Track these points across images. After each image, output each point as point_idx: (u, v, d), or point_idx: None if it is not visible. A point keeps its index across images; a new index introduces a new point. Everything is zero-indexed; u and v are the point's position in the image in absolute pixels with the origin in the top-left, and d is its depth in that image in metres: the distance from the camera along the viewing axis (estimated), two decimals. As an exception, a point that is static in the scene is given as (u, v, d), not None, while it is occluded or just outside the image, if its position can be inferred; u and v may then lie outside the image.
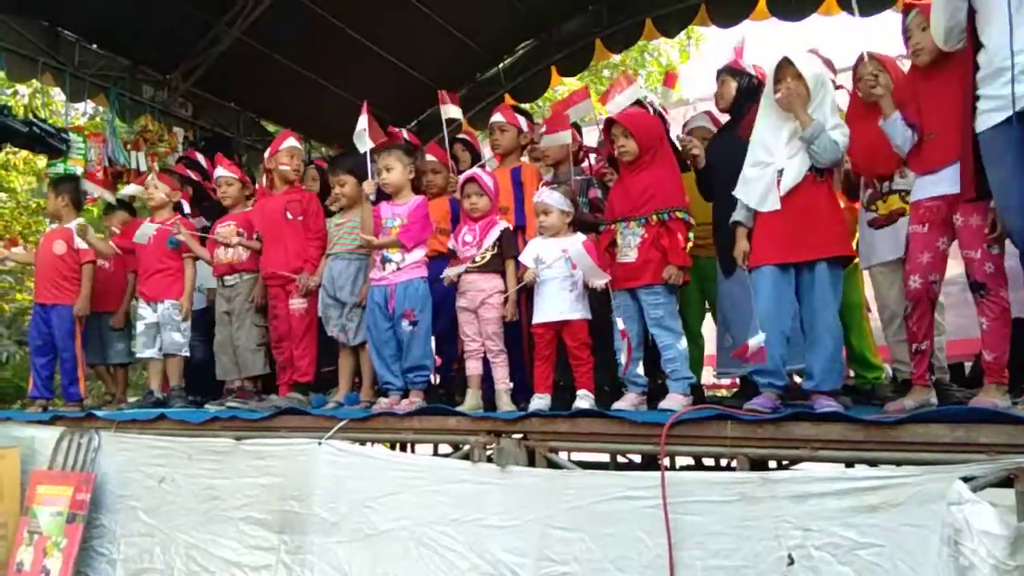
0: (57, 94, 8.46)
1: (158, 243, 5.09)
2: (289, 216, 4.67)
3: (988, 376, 2.89)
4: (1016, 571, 1.98)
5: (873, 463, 2.46)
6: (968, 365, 4.62)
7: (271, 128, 8.45)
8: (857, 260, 3.86)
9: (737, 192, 3.26)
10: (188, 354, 5.13)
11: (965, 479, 2.13)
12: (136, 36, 6.84)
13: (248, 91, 7.90)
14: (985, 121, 2.66)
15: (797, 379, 3.61)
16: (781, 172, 3.09)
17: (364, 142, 4.20)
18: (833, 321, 3.02)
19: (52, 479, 4.21)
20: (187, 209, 5.36)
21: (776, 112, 3.16)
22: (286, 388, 4.62)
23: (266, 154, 4.95)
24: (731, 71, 3.95)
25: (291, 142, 4.85)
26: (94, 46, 6.95)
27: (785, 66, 3.12)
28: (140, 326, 5.13)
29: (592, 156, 4.87)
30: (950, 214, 2.97)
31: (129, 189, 5.76)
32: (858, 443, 2.43)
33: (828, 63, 3.85)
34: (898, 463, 2.33)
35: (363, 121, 4.21)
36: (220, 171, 5.13)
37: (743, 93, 3.86)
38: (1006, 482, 2.18)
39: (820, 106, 3.09)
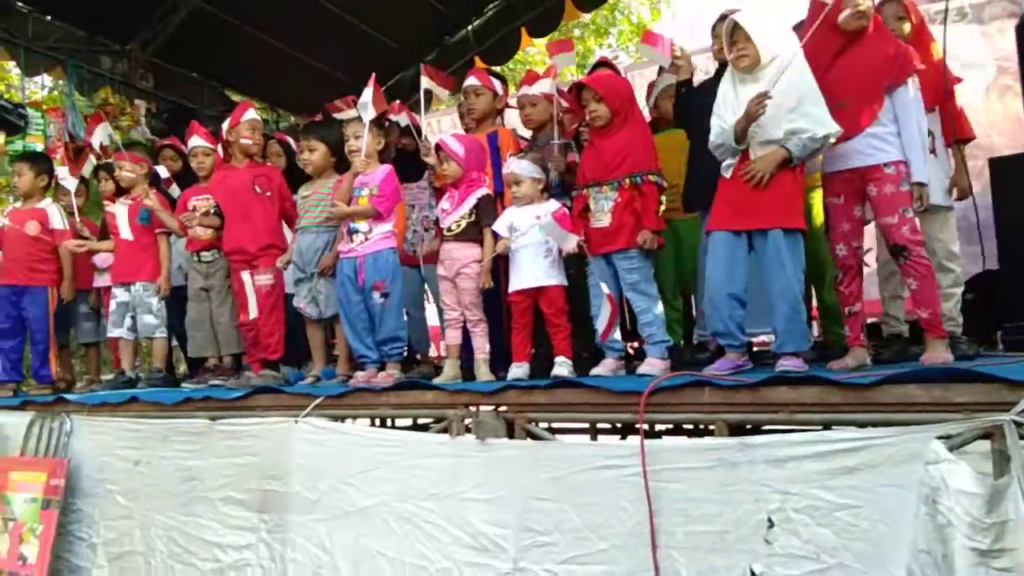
0: (12, 68, 8.21)
1: (129, 220, 4.95)
2: (258, 190, 4.54)
3: (929, 332, 3.00)
4: (992, 528, 1.99)
5: (852, 425, 2.45)
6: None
7: (236, 98, 8.25)
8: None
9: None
10: (165, 335, 5.01)
11: (941, 438, 2.14)
12: (92, 5, 6.60)
13: (211, 60, 7.69)
14: None
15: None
16: None
17: (368, 111, 4.00)
18: (785, 286, 3.03)
19: (25, 465, 4.14)
20: (165, 174, 5.20)
21: (734, 74, 3.19)
22: (258, 366, 4.54)
23: (224, 126, 4.75)
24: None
25: (252, 114, 4.67)
26: (48, 17, 6.71)
27: (737, 29, 3.12)
28: (112, 304, 5.03)
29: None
30: (863, 185, 3.08)
31: (98, 132, 5.40)
32: (835, 405, 2.43)
33: None
34: (875, 424, 2.33)
35: (368, 93, 4.01)
36: (196, 140, 4.88)
37: None
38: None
39: (778, 69, 3.02)
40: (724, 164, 3.22)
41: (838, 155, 3.13)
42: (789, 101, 3.04)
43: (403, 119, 4.79)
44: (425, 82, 4.56)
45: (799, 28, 3.60)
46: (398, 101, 4.93)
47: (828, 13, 3.08)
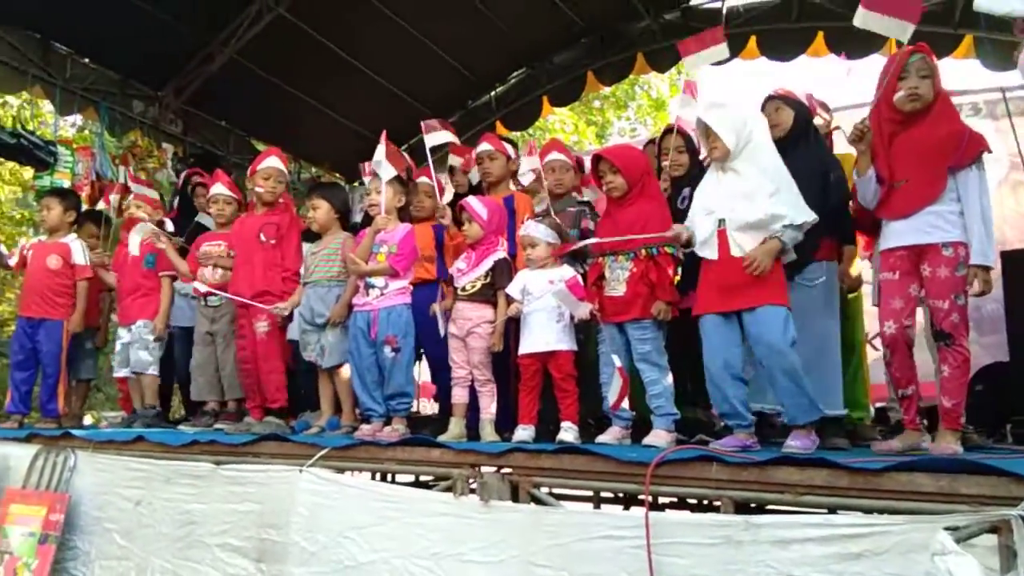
0: (46, 106, 8.44)
1: (136, 264, 5.04)
2: (262, 238, 4.58)
3: (944, 422, 2.97)
4: (997, 623, 1.98)
5: (858, 510, 2.45)
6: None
7: (261, 147, 8.45)
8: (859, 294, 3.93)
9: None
10: (156, 373, 5.03)
11: (948, 529, 2.13)
12: (128, 51, 6.85)
13: (239, 110, 7.91)
14: None
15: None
16: (722, 222, 3.20)
17: (385, 170, 4.10)
18: (784, 360, 3.05)
19: (26, 498, 4.12)
20: (170, 228, 5.31)
21: (716, 164, 3.30)
22: (258, 412, 4.54)
23: (248, 173, 4.86)
24: (784, 99, 3.78)
25: (269, 162, 4.70)
26: (86, 60, 6.95)
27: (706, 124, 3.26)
28: (117, 345, 5.10)
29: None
30: (918, 263, 3.05)
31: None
32: (842, 489, 2.42)
33: (823, 105, 3.90)
34: (882, 511, 2.33)
35: (381, 150, 4.12)
36: (219, 188, 5.00)
37: (801, 122, 3.76)
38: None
39: (752, 156, 3.20)
40: (698, 246, 3.30)
41: (896, 232, 3.10)
42: (766, 185, 3.14)
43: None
44: (435, 137, 4.51)
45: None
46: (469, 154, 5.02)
47: (885, 90, 3.13)
